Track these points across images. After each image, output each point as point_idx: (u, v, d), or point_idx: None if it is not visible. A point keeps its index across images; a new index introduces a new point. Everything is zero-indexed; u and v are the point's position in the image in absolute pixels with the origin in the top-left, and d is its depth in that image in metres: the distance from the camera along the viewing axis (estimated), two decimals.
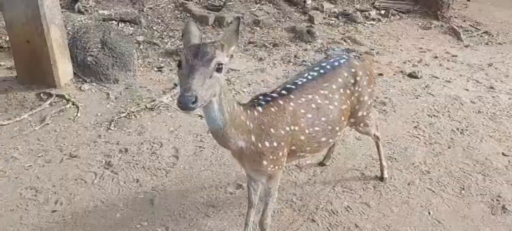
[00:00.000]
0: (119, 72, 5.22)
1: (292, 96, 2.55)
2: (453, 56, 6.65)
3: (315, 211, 3.24)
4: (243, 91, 5.20)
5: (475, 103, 5.10)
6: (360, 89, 2.89)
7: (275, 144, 2.38)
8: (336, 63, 2.86)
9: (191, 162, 3.85)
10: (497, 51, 6.98)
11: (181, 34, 2.65)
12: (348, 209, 3.29)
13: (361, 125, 3.14)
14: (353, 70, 2.88)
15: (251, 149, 2.31)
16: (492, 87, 5.54)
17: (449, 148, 4.15)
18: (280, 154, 2.44)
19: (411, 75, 5.80)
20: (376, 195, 3.45)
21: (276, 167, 2.47)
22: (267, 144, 2.35)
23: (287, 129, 2.45)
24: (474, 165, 3.89)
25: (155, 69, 5.66)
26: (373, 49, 6.63)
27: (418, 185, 3.58)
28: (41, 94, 4.77)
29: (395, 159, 3.94)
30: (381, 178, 3.60)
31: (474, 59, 6.55)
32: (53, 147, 3.95)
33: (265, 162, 2.39)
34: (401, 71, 5.94)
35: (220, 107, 2.08)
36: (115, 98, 4.89)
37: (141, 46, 6.20)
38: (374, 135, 3.45)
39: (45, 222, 3.09)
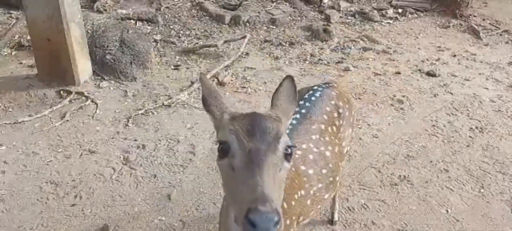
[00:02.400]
0: (137, 70, 5.29)
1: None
2: (472, 55, 6.54)
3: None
4: (260, 89, 5.21)
5: (495, 102, 5.02)
6: (344, 122, 2.43)
7: (288, 222, 1.84)
8: (314, 98, 2.37)
9: (207, 158, 3.88)
10: None
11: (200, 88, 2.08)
12: (365, 206, 3.27)
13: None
14: (333, 102, 2.40)
15: None
16: (511, 86, 5.44)
17: (467, 146, 4.09)
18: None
19: (429, 74, 5.73)
20: (393, 192, 3.42)
21: None
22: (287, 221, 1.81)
23: (296, 197, 1.92)
24: (494, 164, 3.82)
25: (172, 67, 5.71)
26: (390, 48, 6.57)
27: (436, 183, 3.54)
28: (61, 92, 4.85)
29: (413, 157, 3.90)
30: (332, 222, 3.08)
31: (493, 57, 6.44)
32: (73, 143, 4.02)
33: None
34: (419, 70, 5.87)
35: None
36: (133, 96, 4.95)
37: (158, 45, 6.26)
38: None
39: (64, 215, 3.15)
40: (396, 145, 4.09)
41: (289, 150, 1.33)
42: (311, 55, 6.22)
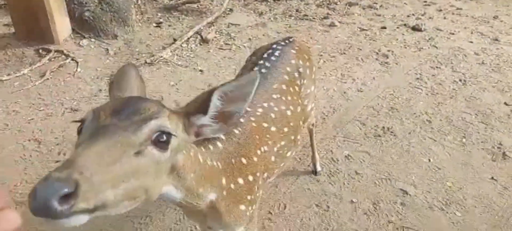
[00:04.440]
0: (118, 28, 5.15)
1: (249, 109, 1.92)
2: (457, 9, 6.52)
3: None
4: (244, 46, 5.14)
5: (479, 55, 5.04)
6: (305, 81, 2.37)
7: (250, 178, 1.77)
8: (274, 57, 2.28)
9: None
10: (503, 4, 6.83)
11: (110, 82, 1.49)
12: (349, 157, 3.31)
13: (308, 119, 2.60)
14: (293, 61, 2.32)
15: (224, 197, 1.62)
16: (496, 39, 5.46)
17: (451, 98, 4.13)
18: (256, 188, 1.83)
19: (415, 28, 5.71)
20: (377, 144, 3.46)
21: (255, 206, 1.85)
22: (241, 181, 1.72)
23: (258, 152, 1.86)
24: (476, 114, 3.87)
25: (154, 24, 5.58)
26: (376, 3, 6.50)
27: (419, 134, 3.58)
28: (40, 50, 4.72)
29: (397, 109, 3.93)
30: (315, 172, 3.12)
31: (479, 12, 6.43)
32: (54, 101, 3.94)
33: (243, 206, 1.73)
34: (405, 24, 5.85)
35: (179, 189, 1.35)
36: (115, 54, 4.84)
37: (139, 1, 6.09)
38: (312, 124, 2.97)
39: (48, 171, 3.11)
40: (380, 98, 4.10)
41: (164, 137, 1.11)
42: (297, 10, 6.13)
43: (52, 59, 4.61)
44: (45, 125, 3.62)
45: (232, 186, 1.66)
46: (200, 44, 5.14)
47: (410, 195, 2.95)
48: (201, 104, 1.24)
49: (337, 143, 3.46)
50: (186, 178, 1.34)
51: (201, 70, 4.58)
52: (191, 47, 5.06)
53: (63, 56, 4.67)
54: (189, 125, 1.25)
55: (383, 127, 3.65)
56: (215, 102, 1.24)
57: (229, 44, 5.16)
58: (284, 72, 2.23)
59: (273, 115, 2.02)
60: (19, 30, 4.92)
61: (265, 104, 2.03)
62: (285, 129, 2.07)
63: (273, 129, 1.99)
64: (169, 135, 1.13)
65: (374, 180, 3.08)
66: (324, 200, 2.90)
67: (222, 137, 1.69)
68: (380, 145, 3.45)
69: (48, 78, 4.28)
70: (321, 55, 4.94)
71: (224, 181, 1.61)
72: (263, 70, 2.18)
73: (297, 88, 2.28)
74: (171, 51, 4.92)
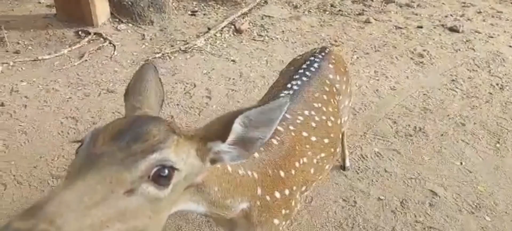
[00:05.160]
0: (154, 14, 5.25)
1: (288, 116, 1.87)
2: (498, 12, 6.32)
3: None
4: (277, 38, 5.15)
5: None
6: (341, 97, 2.32)
7: (287, 192, 1.68)
8: (313, 69, 2.22)
9: (223, 103, 3.90)
10: None
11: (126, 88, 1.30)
12: (378, 155, 3.29)
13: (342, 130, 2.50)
14: (331, 76, 2.26)
15: (258, 207, 1.54)
16: None
17: (487, 102, 4.03)
18: (293, 203, 1.74)
19: (452, 29, 5.57)
20: (407, 143, 3.42)
21: (288, 222, 1.76)
22: (277, 195, 1.63)
23: (297, 164, 1.76)
24: None
25: (189, 13, 5.66)
26: (413, 2, 6.37)
27: (452, 136, 3.52)
28: (80, 32, 4.87)
29: (430, 110, 3.87)
30: (343, 167, 3.11)
31: None
32: (91, 82, 4.08)
33: (276, 221, 1.64)
34: (442, 25, 5.72)
35: (200, 204, 1.28)
36: (150, 39, 4.95)
37: None
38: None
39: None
40: (413, 98, 4.05)
41: (166, 171, 0.96)
42: (332, 5, 6.09)
43: (91, 41, 4.75)
44: (82, 104, 3.75)
45: (267, 197, 1.57)
46: (234, 35, 5.18)
47: (439, 196, 2.91)
48: (220, 129, 1.08)
49: (367, 140, 3.44)
50: (209, 192, 1.26)
51: (233, 60, 4.62)
52: (225, 37, 5.11)
53: (101, 39, 4.80)
54: (205, 151, 1.10)
55: (415, 127, 3.60)
56: (237, 129, 1.08)
57: (262, 35, 5.18)
58: (324, 84, 2.18)
59: (314, 124, 1.94)
60: (60, 11, 5.10)
61: (306, 112, 1.95)
62: (326, 140, 1.98)
63: (313, 139, 1.90)
64: (172, 169, 0.98)
65: (403, 179, 3.06)
66: (351, 195, 2.90)
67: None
68: (411, 144, 3.41)
69: (86, 60, 4.42)
70: (355, 51, 4.90)
71: (259, 191, 1.53)
72: (304, 79, 2.13)
73: (335, 102, 2.22)
74: (204, 40, 4.99)
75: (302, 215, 2.73)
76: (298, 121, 1.88)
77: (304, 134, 1.87)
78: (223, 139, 1.09)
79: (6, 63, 4.26)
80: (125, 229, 0.89)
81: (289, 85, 2.09)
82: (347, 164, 3.11)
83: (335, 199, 2.86)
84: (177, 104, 3.81)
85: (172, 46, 4.82)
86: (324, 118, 2.02)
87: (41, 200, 0.80)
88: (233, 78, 4.28)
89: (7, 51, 4.50)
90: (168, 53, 4.66)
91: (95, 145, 0.94)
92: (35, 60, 4.34)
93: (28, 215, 0.76)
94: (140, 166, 0.91)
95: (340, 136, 2.25)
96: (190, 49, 4.78)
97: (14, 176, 2.97)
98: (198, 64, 4.52)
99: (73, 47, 4.59)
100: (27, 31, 4.82)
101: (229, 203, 1.38)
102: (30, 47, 4.58)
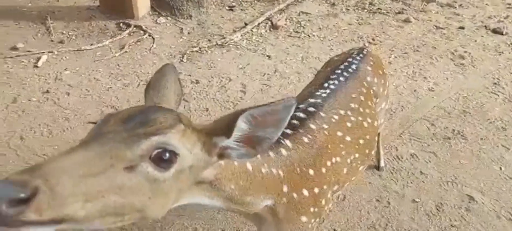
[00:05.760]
0: (193, 9, 5.33)
1: (322, 114, 1.85)
2: None
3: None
4: (313, 35, 5.13)
5: None
6: (377, 99, 2.30)
7: (316, 190, 1.67)
8: (351, 70, 2.21)
9: (257, 98, 3.93)
10: None
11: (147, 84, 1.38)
12: (414, 156, 3.23)
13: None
14: (369, 78, 2.24)
15: (284, 204, 1.55)
16: None
17: None
18: (323, 201, 1.73)
19: (495, 31, 5.38)
20: (445, 146, 3.35)
21: (318, 220, 1.74)
22: (306, 192, 1.63)
23: (329, 163, 1.74)
24: None
25: (227, 8, 5.72)
26: (455, 1, 6.19)
27: (491, 140, 3.42)
28: (121, 24, 5.02)
29: (469, 113, 3.76)
30: (378, 167, 3.07)
31: None
32: (131, 73, 4.20)
33: (304, 218, 1.64)
34: (485, 26, 5.53)
35: (215, 199, 1.33)
36: (188, 33, 5.03)
37: None
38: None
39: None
40: (452, 100, 3.94)
41: (167, 155, 1.00)
42: (370, 3, 6.00)
43: (131, 33, 4.89)
44: (122, 94, 3.87)
45: (294, 195, 1.57)
46: (270, 30, 5.20)
47: (476, 201, 2.84)
48: (225, 125, 1.11)
49: (403, 141, 3.39)
50: (224, 189, 1.29)
51: (268, 56, 4.64)
52: (261, 33, 5.13)
53: (141, 31, 4.93)
54: (211, 145, 1.13)
55: (453, 130, 3.52)
56: (241, 126, 1.10)
57: (298, 32, 5.18)
58: (361, 86, 2.16)
59: (349, 124, 1.92)
60: (103, 4, 5.26)
61: (342, 112, 1.93)
62: (361, 141, 1.96)
63: (348, 138, 1.88)
64: (173, 153, 1.01)
65: (440, 182, 2.99)
66: (385, 195, 2.87)
67: (288, 144, 1.61)
68: (448, 147, 3.33)
69: (126, 51, 4.55)
70: (393, 50, 4.82)
71: (285, 188, 1.54)
72: (341, 79, 2.11)
73: (372, 104, 2.20)
74: (241, 35, 5.03)
75: (334, 212, 2.73)
76: (333, 120, 1.86)
77: (339, 133, 1.85)
78: (228, 135, 1.11)
79: (51, 52, 4.44)
80: (121, 203, 0.92)
81: (325, 84, 2.08)
82: (382, 164, 3.08)
83: (369, 199, 2.84)
84: (212, 98, 3.87)
85: (209, 40, 4.89)
86: (360, 118, 2.00)
87: (42, 161, 0.85)
88: (268, 74, 4.31)
89: (52, 41, 4.69)
90: (205, 47, 4.73)
91: (105, 125, 1.01)
92: (78, 50, 4.51)
93: (26, 172, 0.82)
94: (141, 145, 0.96)
95: (376, 138, 2.23)
96: (227, 44, 4.83)
97: None
98: (234, 59, 4.57)
99: (114, 39, 4.74)
100: (71, 22, 5.00)
101: (249, 200, 1.41)
102: (73, 38, 4.76)
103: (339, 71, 2.19)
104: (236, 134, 1.11)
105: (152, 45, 4.68)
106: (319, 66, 4.28)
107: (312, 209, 1.65)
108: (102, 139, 0.95)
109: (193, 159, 1.08)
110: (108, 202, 0.90)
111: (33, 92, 3.84)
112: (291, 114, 1.08)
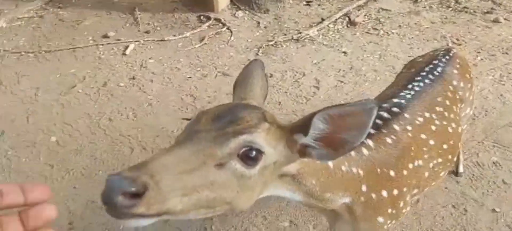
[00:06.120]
0: (270, 3, 5.41)
1: (407, 115, 1.81)
2: None
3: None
4: (393, 33, 4.98)
5: None
6: (463, 105, 2.21)
7: (395, 192, 1.66)
8: (437, 73, 2.13)
9: (331, 94, 3.92)
10: None
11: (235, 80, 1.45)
12: (497, 164, 3.05)
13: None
14: (455, 82, 2.14)
15: (362, 203, 1.56)
16: None
17: None
18: (402, 203, 1.71)
19: None
20: None
21: (394, 222, 1.74)
22: (385, 193, 1.62)
23: (410, 166, 1.72)
24: None
25: (304, 3, 5.72)
26: None
27: None
28: (201, 17, 5.24)
29: None
30: (456, 173, 2.94)
31: None
32: (209, 64, 4.38)
33: (381, 219, 1.64)
34: None
35: (296, 193, 1.37)
36: (264, 27, 5.12)
37: None
38: None
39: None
40: None
41: (254, 153, 1.06)
42: (456, 1, 5.67)
43: (211, 26, 5.08)
44: (200, 83, 4.05)
45: (372, 195, 1.57)
46: (347, 26, 5.13)
47: None
48: (303, 123, 1.14)
49: (485, 147, 3.20)
50: (305, 184, 1.33)
51: (344, 52, 4.59)
52: (338, 28, 5.08)
53: (220, 24, 5.11)
54: (293, 142, 1.17)
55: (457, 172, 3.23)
56: (317, 124, 1.12)
57: (377, 29, 5.05)
58: (447, 90, 2.08)
59: (434, 128, 1.87)
60: None
61: (427, 115, 1.88)
62: (445, 146, 1.91)
63: (432, 142, 1.83)
64: (259, 151, 1.07)
65: None
66: (462, 202, 2.75)
67: (370, 143, 1.60)
68: None
69: (206, 43, 4.74)
70: (479, 52, 4.54)
71: (364, 188, 1.54)
72: (426, 81, 2.06)
73: (457, 109, 2.13)
74: (317, 31, 5.02)
75: (407, 215, 2.66)
76: (417, 122, 1.82)
77: (423, 136, 1.81)
78: (305, 132, 1.14)
79: (138, 41, 4.76)
80: (213, 197, 1.01)
81: (410, 86, 2.03)
82: (461, 169, 2.94)
83: (444, 204, 2.73)
84: (286, 92, 3.92)
85: (285, 35, 4.94)
86: (445, 123, 1.94)
87: (148, 159, 0.96)
88: (343, 70, 4.27)
89: (139, 31, 5.03)
90: (280, 41, 4.79)
91: (197, 123, 1.10)
92: (162, 40, 4.79)
93: (135, 168, 0.92)
94: (230, 144, 1.03)
95: (459, 145, 2.15)
96: (302, 39, 4.85)
97: (140, 141, 3.35)
98: (309, 54, 4.58)
99: (195, 31, 4.96)
100: (156, 13, 5.32)
101: (328, 197, 1.44)
102: (158, 28, 5.06)
103: (424, 73, 2.13)
104: (313, 132, 1.13)
105: (230, 38, 4.84)
106: (397, 65, 4.20)
107: (389, 211, 1.65)
108: (195, 138, 1.04)
109: (277, 155, 1.14)
110: (202, 196, 0.99)
111: (121, 78, 4.16)
112: (373, 118, 1.06)
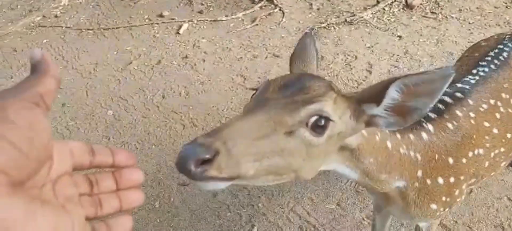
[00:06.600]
0: None
1: (470, 101, 1.71)
2: None
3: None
4: (452, 17, 4.75)
5: None
6: None
7: (452, 180, 1.60)
8: (503, 58, 1.98)
9: (383, 79, 3.82)
10: None
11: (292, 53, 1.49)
12: None
13: None
14: None
15: (416, 189, 1.53)
16: None
17: None
18: (457, 192, 1.65)
19: None
20: None
21: (448, 209, 1.69)
22: (441, 180, 1.58)
23: (470, 154, 1.65)
24: None
25: None
26: None
27: None
28: None
29: None
30: None
31: None
32: (260, 45, 4.40)
33: (434, 206, 1.61)
34: None
35: (354, 170, 1.34)
36: (317, 9, 5.06)
37: None
38: None
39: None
40: None
41: (323, 122, 1.06)
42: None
43: (263, 7, 5.09)
44: (251, 64, 4.09)
45: (428, 181, 1.53)
46: (404, 9, 4.95)
47: None
48: (376, 93, 1.11)
49: None
50: (363, 162, 1.31)
51: (399, 36, 4.45)
52: (393, 11, 4.92)
53: (272, 5, 5.10)
54: (360, 112, 1.15)
55: None
56: (392, 95, 1.09)
57: (435, 13, 4.84)
58: None
59: (498, 116, 1.77)
60: None
61: (492, 102, 1.77)
62: (508, 135, 1.81)
63: (495, 131, 1.74)
64: (327, 120, 1.07)
65: None
66: None
67: (430, 128, 1.55)
68: None
69: (257, 24, 4.77)
70: None
71: (420, 173, 1.50)
72: (491, 66, 1.92)
73: None
74: (372, 13, 4.89)
75: (458, 205, 2.59)
76: (481, 109, 1.73)
77: (486, 124, 1.71)
78: (378, 102, 1.11)
79: (191, 21, 4.87)
80: (282, 164, 1.04)
81: (474, 71, 1.91)
82: None
83: (499, 196, 2.62)
84: (336, 75, 3.88)
85: (337, 17, 4.86)
86: (510, 111, 1.83)
87: (220, 126, 0.99)
88: (397, 55, 4.14)
89: (192, 11, 5.14)
90: (333, 23, 4.72)
91: (266, 92, 1.10)
92: (214, 20, 4.87)
93: (209, 135, 0.95)
94: (300, 112, 1.04)
95: None
96: (356, 21, 4.74)
97: (191, 118, 3.46)
98: (362, 37, 4.48)
99: (247, 12, 4.99)
100: None
101: (384, 178, 1.40)
102: (211, 9, 5.14)
103: (489, 58, 2.00)
104: (386, 102, 1.11)
105: (282, 20, 4.83)
106: (456, 50, 4.02)
107: (444, 198, 1.60)
108: (265, 106, 1.05)
109: (343, 125, 1.13)
110: (272, 162, 1.01)
111: (174, 56, 4.28)
112: (447, 84, 1.04)
